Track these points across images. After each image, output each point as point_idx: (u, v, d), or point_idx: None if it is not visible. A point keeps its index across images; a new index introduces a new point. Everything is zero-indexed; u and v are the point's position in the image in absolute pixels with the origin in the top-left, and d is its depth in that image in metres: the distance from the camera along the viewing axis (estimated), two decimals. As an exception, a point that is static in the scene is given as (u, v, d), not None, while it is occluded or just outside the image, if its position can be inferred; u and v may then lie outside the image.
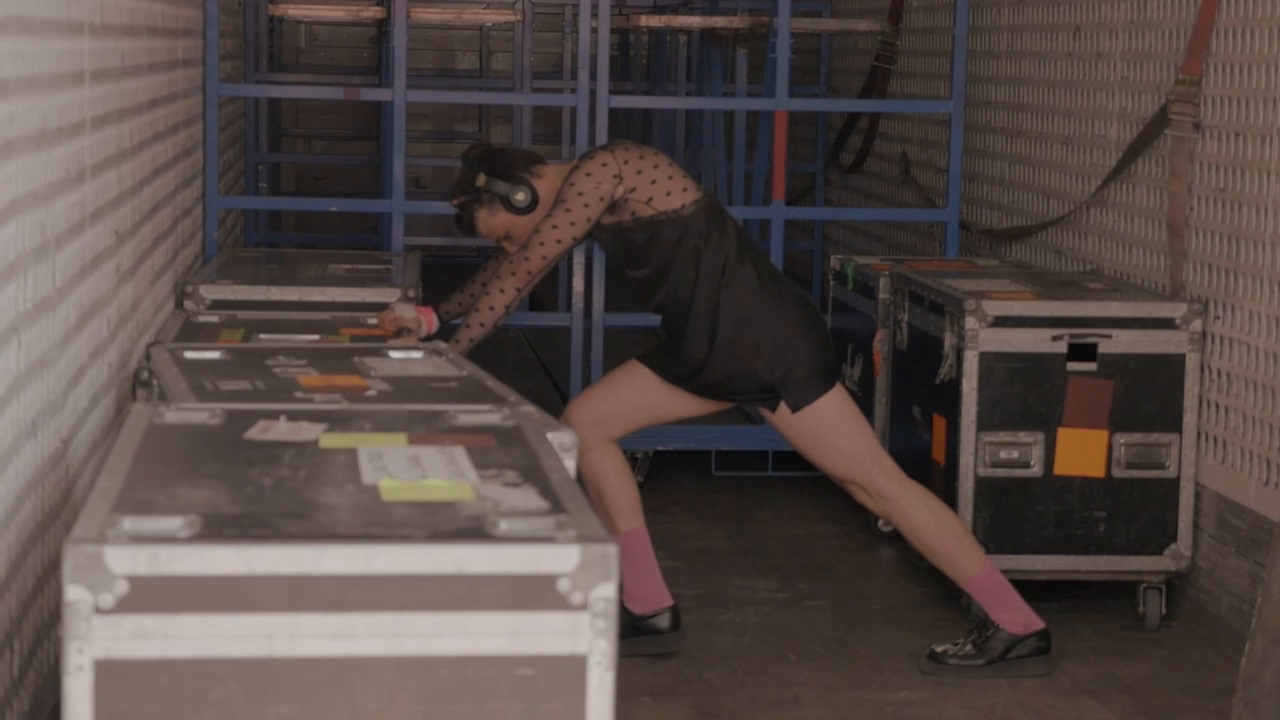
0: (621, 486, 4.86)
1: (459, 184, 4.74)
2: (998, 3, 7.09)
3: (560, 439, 3.20)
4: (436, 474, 2.89)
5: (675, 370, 4.83)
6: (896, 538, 6.07)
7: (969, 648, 4.82)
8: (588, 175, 4.60)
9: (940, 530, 4.81)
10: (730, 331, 4.71)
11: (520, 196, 4.66)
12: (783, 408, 4.75)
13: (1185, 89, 5.46)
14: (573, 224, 4.63)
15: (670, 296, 4.74)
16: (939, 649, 4.85)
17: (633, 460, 6.63)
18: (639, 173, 4.63)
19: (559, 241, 4.63)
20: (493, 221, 4.71)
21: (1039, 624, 4.84)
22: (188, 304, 5.35)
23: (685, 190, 4.67)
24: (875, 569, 5.90)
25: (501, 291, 4.64)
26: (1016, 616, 4.83)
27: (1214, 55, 5.39)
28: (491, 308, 4.64)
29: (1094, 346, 5.27)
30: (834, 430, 4.77)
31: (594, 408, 4.87)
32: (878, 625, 5.30)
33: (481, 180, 4.67)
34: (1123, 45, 5.99)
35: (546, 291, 9.25)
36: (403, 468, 2.93)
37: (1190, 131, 5.45)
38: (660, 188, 4.64)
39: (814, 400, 4.74)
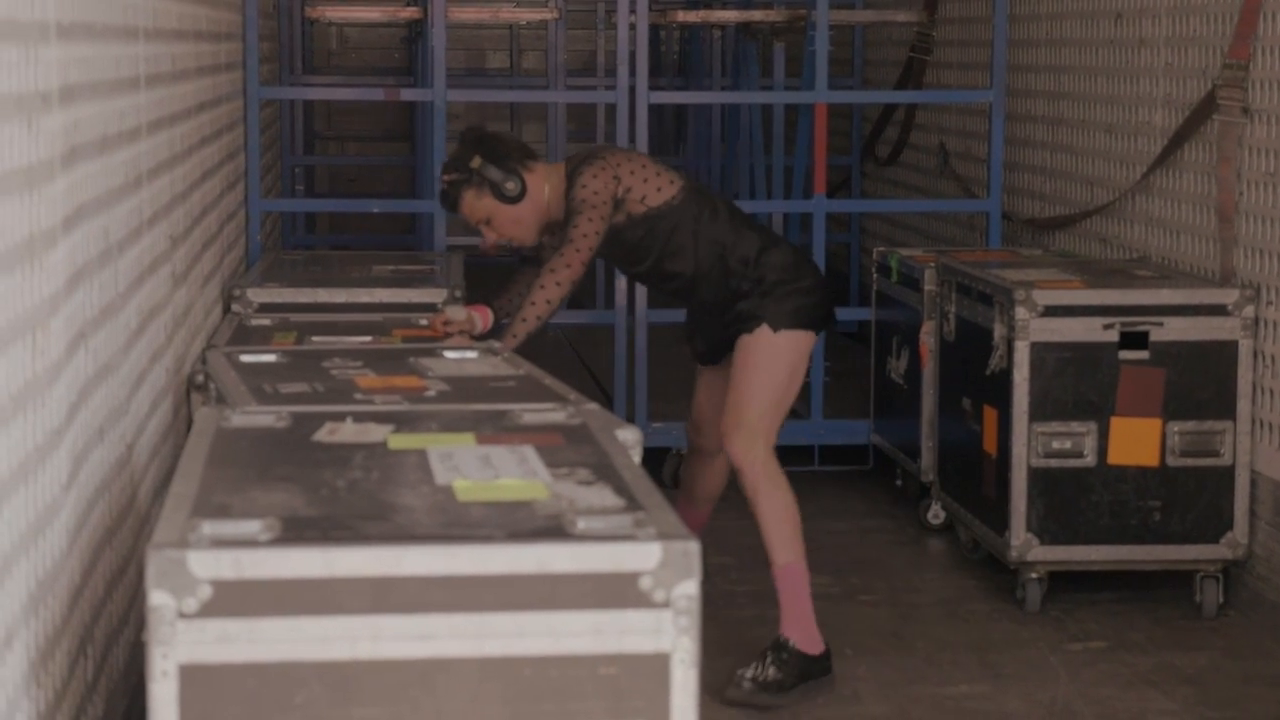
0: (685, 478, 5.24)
1: (453, 161, 4.83)
2: (1037, -9, 7.06)
3: (626, 436, 3.20)
4: (509, 473, 2.89)
5: (705, 339, 4.97)
6: (947, 530, 6.06)
7: (770, 670, 4.66)
8: (595, 178, 4.74)
9: (780, 507, 4.74)
10: (726, 270, 4.83)
11: (510, 186, 4.76)
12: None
13: (1233, 73, 5.43)
14: (603, 220, 4.73)
15: (679, 278, 4.88)
16: (741, 671, 4.66)
17: (678, 458, 6.61)
18: (632, 173, 4.79)
19: (593, 248, 4.72)
20: (478, 204, 4.80)
21: (822, 645, 4.71)
22: (236, 307, 5.36)
23: (671, 183, 4.83)
24: (927, 562, 5.89)
25: (558, 284, 4.69)
26: (810, 633, 4.68)
27: (1262, 39, 5.36)
28: (549, 301, 4.69)
29: (1145, 334, 5.25)
30: (764, 362, 4.75)
31: (691, 418, 5.15)
32: (933, 619, 5.29)
33: (476, 162, 4.76)
34: (1166, 30, 5.96)
35: (584, 289, 9.24)
36: (474, 467, 2.93)
37: (1238, 116, 5.42)
38: (651, 185, 4.80)
39: (766, 327, 4.76)
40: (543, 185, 4.79)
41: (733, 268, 4.81)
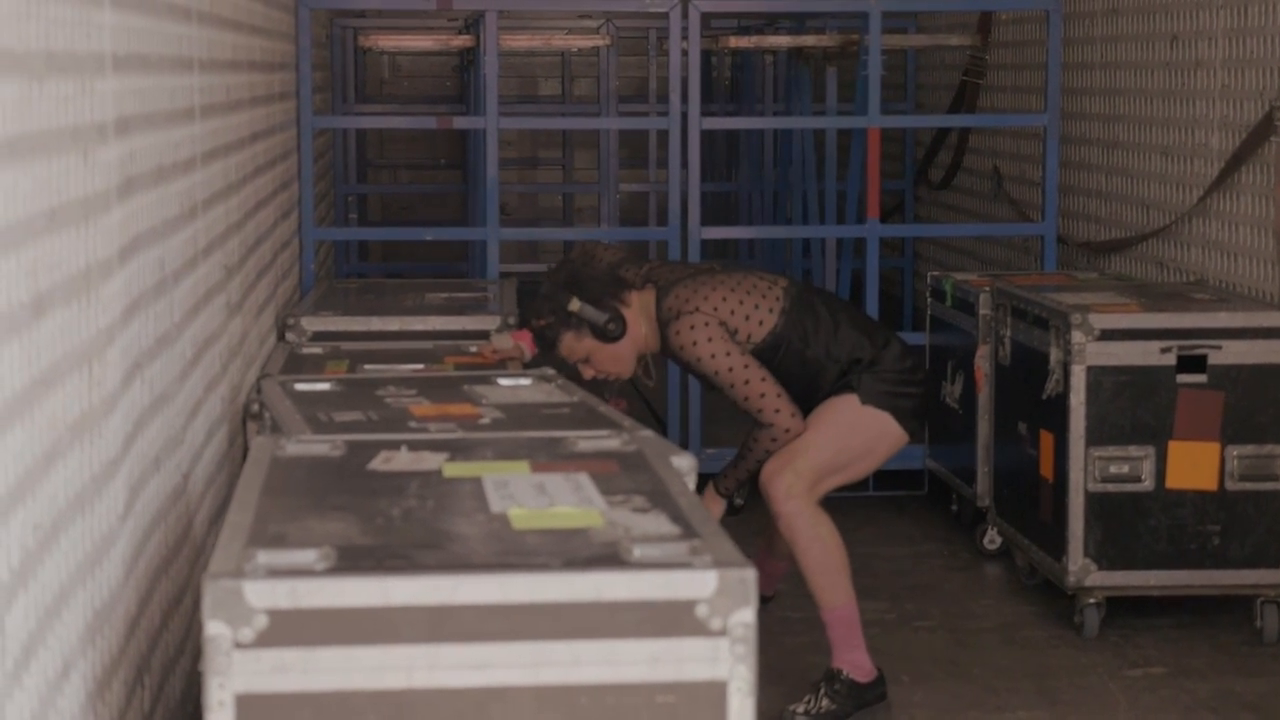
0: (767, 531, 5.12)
1: (547, 303, 4.70)
2: (1090, 14, 7.04)
3: (682, 463, 3.18)
4: (564, 501, 2.88)
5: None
6: (1002, 555, 6.02)
7: (824, 702, 4.65)
8: (710, 340, 4.61)
9: (820, 555, 4.67)
10: (841, 371, 4.76)
11: (613, 326, 4.66)
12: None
13: (1290, 95, 5.39)
14: (745, 364, 4.62)
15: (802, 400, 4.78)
16: (792, 708, 4.66)
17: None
18: (732, 313, 4.67)
19: (776, 391, 4.62)
20: (578, 345, 4.71)
21: (874, 672, 4.70)
22: (290, 336, 5.37)
23: (770, 310, 4.70)
24: (982, 588, 5.85)
25: (773, 439, 4.64)
26: (862, 662, 4.67)
27: (1318, 60, 5.32)
28: (760, 452, 4.67)
29: (1204, 358, 5.21)
30: (841, 422, 4.67)
31: None
32: (989, 645, 5.25)
33: (575, 305, 4.65)
34: (1223, 53, 5.93)
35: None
36: (529, 495, 2.92)
37: (1296, 138, 5.38)
38: (753, 320, 4.69)
39: (855, 397, 4.69)
40: (639, 318, 4.71)
41: (847, 368, 4.72)
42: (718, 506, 4.81)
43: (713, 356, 4.61)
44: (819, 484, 4.70)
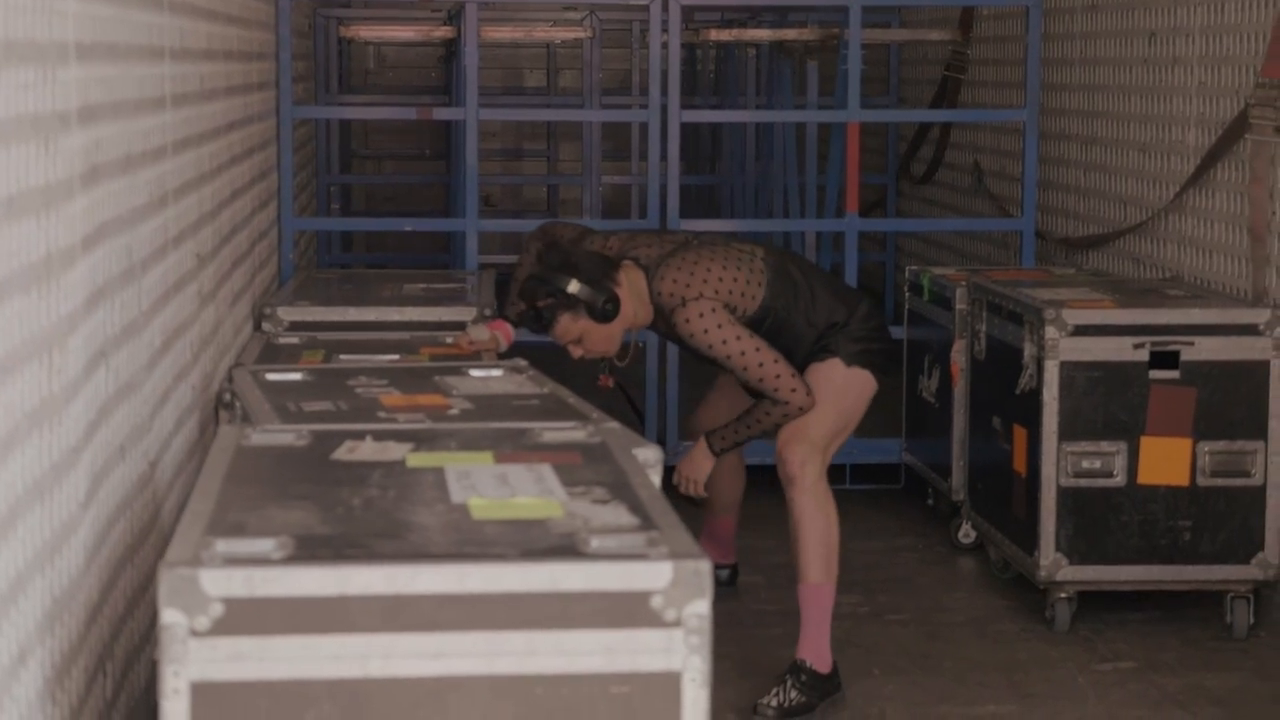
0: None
1: (543, 284, 4.69)
2: (1070, 10, 7.05)
3: (645, 455, 3.19)
4: (525, 492, 2.89)
5: None
6: (977, 549, 6.04)
7: (793, 694, 4.66)
8: (720, 326, 4.68)
9: (824, 528, 4.76)
10: (818, 336, 4.88)
11: (610, 307, 4.70)
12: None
13: (1265, 92, 5.40)
14: (756, 345, 4.70)
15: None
16: (763, 700, 4.66)
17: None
18: (730, 291, 4.74)
19: (790, 371, 4.72)
20: (574, 325, 4.73)
21: (831, 663, 4.74)
22: (266, 326, 5.38)
23: (759, 284, 4.79)
24: (956, 582, 5.86)
25: (785, 414, 4.74)
26: (824, 652, 4.71)
27: (1293, 58, 5.33)
28: (762, 427, 4.78)
29: (1176, 354, 5.22)
30: (832, 390, 4.79)
31: (701, 424, 5.23)
32: (961, 638, 5.27)
33: (574, 287, 4.67)
34: (1200, 50, 5.94)
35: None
36: (491, 486, 2.93)
37: (1271, 135, 5.39)
38: (747, 295, 4.77)
39: (839, 360, 4.82)
40: (630, 297, 4.74)
41: (823, 331, 4.85)
42: (709, 464, 4.91)
43: (724, 342, 4.69)
44: (829, 450, 4.85)
